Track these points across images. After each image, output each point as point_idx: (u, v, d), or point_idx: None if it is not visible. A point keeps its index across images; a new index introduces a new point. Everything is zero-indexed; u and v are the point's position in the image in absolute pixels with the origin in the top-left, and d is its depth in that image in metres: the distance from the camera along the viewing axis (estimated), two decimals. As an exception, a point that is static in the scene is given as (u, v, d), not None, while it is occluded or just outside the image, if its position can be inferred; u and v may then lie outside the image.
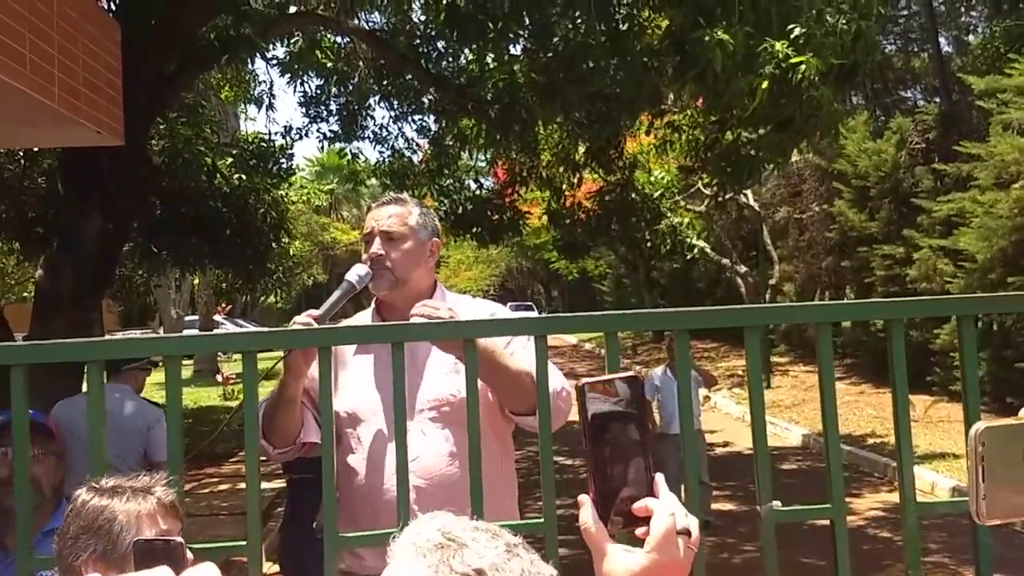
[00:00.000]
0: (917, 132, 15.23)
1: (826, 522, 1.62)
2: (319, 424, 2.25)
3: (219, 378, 18.26)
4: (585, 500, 1.10)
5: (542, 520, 1.61)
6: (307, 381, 2.19)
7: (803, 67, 5.15)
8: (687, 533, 1.08)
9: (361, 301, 2.50)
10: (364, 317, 2.42)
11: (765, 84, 5.25)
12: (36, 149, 9.13)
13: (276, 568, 6.60)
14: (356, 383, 2.25)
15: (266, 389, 2.23)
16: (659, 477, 1.12)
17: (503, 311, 2.42)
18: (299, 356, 2.07)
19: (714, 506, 8.04)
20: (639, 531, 1.09)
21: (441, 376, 2.23)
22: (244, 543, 1.62)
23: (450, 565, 0.88)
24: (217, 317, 25.93)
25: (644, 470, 1.10)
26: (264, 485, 7.70)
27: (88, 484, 1.60)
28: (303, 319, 2.08)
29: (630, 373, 1.13)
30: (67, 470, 3.20)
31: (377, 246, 2.29)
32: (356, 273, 2.25)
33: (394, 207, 2.34)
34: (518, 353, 2.16)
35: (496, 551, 0.91)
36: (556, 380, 2.06)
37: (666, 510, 1.08)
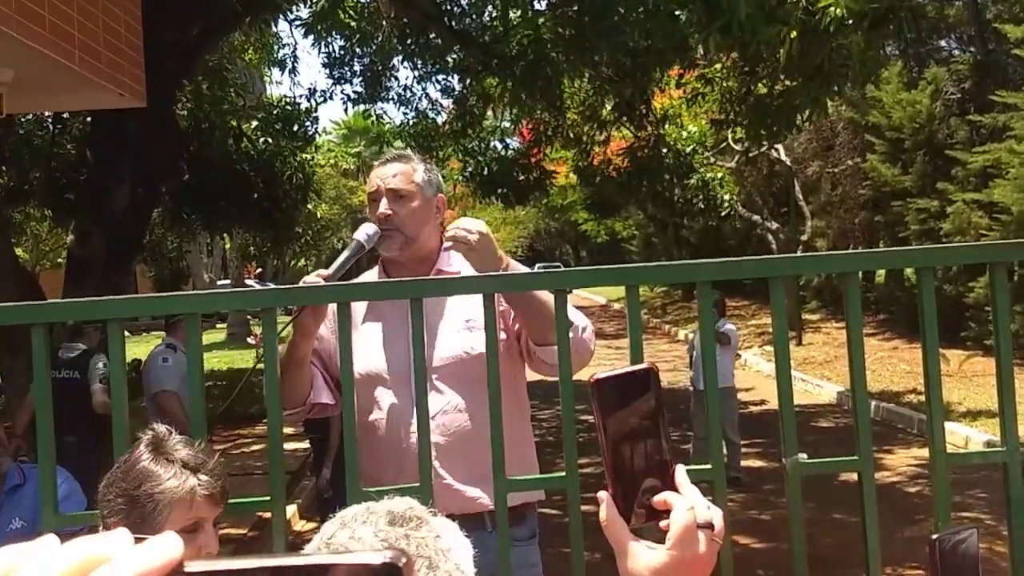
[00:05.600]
0: (952, 82, 14.90)
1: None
2: (328, 386, 2.26)
3: (251, 340, 18.41)
4: (604, 496, 1.06)
5: (564, 475, 1.60)
6: (316, 343, 2.19)
7: (832, 9, 5.00)
8: (709, 526, 1.03)
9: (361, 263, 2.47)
10: (370, 277, 2.40)
11: (794, 33, 5.11)
12: (66, 115, 9.17)
13: (311, 525, 6.72)
14: (369, 347, 2.24)
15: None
16: (679, 468, 1.07)
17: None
18: (308, 316, 2.06)
19: (744, 463, 8.04)
20: (663, 523, 1.05)
21: (454, 334, 2.23)
22: (268, 498, 1.63)
23: None
24: (249, 281, 26.11)
25: (663, 461, 1.07)
26: (298, 445, 7.83)
27: (152, 434, 1.55)
28: (313, 278, 2.07)
29: (645, 365, 1.09)
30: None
31: (385, 206, 2.26)
32: (365, 232, 2.22)
33: (399, 164, 2.31)
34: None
35: None
36: (579, 319, 2.18)
37: (685, 504, 1.03)
